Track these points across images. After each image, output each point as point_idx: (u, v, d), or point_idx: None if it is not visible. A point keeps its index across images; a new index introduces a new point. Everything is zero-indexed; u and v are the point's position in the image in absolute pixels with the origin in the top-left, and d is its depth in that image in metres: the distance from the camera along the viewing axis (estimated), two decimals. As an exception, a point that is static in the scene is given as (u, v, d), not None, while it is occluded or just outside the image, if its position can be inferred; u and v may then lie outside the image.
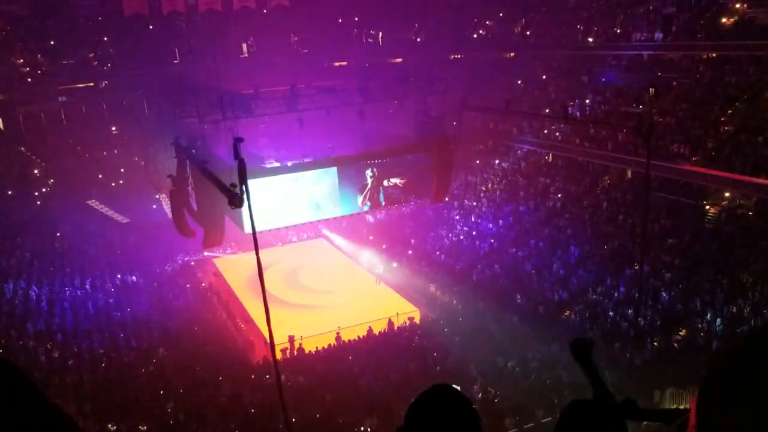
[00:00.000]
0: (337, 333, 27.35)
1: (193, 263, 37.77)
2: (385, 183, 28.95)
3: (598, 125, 32.16)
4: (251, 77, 32.31)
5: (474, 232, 35.10)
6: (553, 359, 22.82)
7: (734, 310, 22.72)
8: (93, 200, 38.76)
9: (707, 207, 28.46)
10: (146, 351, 25.64)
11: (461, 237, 35.30)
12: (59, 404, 1.23)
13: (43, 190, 38.05)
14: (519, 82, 41.86)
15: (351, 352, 25.92)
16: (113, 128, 42.80)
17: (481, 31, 47.81)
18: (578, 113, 35.10)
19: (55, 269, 31.48)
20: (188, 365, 24.25)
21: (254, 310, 29.29)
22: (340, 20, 49.95)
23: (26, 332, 25.60)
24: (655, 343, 22.84)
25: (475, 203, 37.71)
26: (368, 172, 28.54)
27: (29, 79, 41.50)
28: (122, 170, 41.01)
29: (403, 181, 29.21)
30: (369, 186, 28.64)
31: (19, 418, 1.12)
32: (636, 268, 25.52)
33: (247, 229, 19.01)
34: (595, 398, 2.71)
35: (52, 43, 43.20)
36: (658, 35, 33.94)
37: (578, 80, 38.57)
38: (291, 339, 26.70)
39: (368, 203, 29.04)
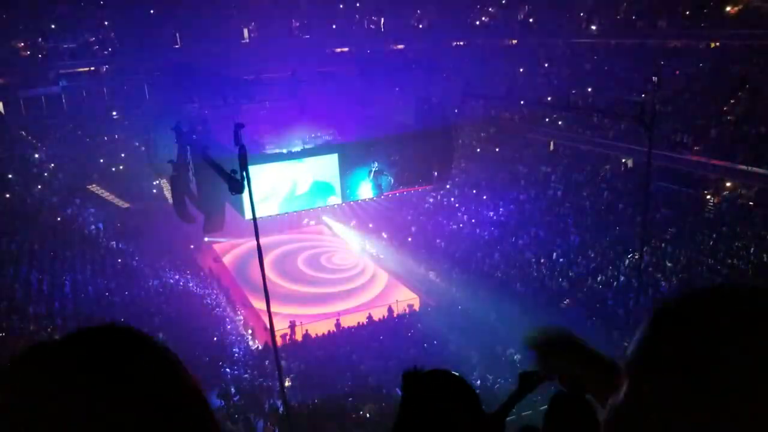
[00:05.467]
0: (337, 319, 27.41)
1: (192, 248, 37.78)
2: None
3: (600, 114, 32.08)
4: (252, 63, 32.24)
5: (474, 220, 35.08)
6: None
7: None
8: (94, 185, 38.71)
9: (708, 197, 28.43)
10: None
11: (461, 225, 35.29)
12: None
13: (44, 174, 37.99)
14: (521, 69, 41.69)
15: (351, 339, 26.00)
16: (114, 113, 42.70)
17: (483, 18, 47.57)
18: (580, 102, 34.98)
19: (56, 254, 31.50)
20: (188, 350, 24.32)
21: (254, 295, 29.34)
22: (341, 6, 49.68)
23: (27, 316, 25.65)
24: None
25: (475, 191, 37.67)
26: (374, 164, 28.52)
27: (30, 63, 41.38)
28: (123, 155, 40.94)
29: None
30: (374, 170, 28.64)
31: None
32: (636, 257, 25.53)
33: (248, 215, 19.02)
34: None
35: (53, 26, 43.03)
36: (662, 23, 33.79)
37: (581, 68, 38.41)
38: (292, 325, 26.77)
39: (374, 190, 29.01)
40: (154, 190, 39.53)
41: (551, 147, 37.51)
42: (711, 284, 1.02)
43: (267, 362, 23.18)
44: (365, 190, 29.09)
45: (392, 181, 29.05)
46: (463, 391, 2.11)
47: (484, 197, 36.74)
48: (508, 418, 2.88)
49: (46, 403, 0.84)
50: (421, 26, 50.18)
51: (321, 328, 27.08)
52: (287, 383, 21.18)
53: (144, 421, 0.86)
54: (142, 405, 0.87)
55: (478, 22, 47.46)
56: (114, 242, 34.40)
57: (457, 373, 2.17)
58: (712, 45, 32.70)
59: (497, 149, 40.12)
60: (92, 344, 0.93)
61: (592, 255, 28.34)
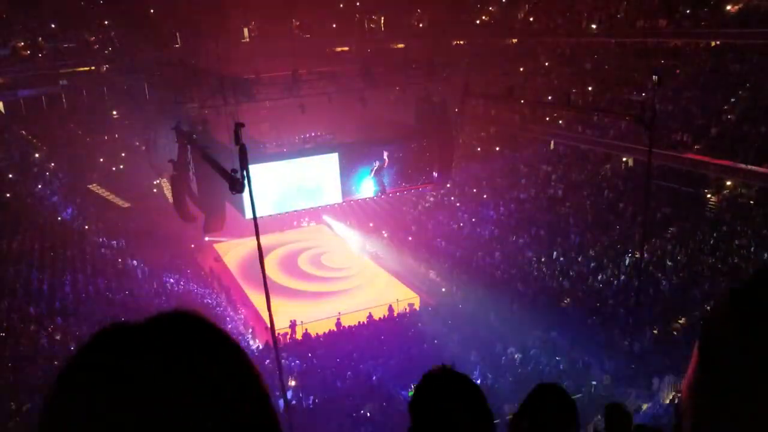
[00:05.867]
0: (338, 319, 27.42)
1: (193, 247, 37.80)
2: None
3: (600, 113, 32.07)
4: (252, 62, 32.16)
5: (474, 219, 35.08)
6: (553, 346, 22.92)
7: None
8: (94, 184, 38.75)
9: (708, 195, 28.43)
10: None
11: (462, 224, 35.28)
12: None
13: (45, 174, 38.01)
14: (521, 69, 41.64)
15: (351, 338, 26.01)
16: (114, 112, 42.75)
17: (483, 17, 47.53)
18: (581, 101, 34.95)
19: (56, 253, 31.50)
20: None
21: (255, 294, 29.36)
22: (341, 5, 49.67)
23: (27, 316, 25.65)
24: (655, 331, 22.90)
25: (475, 190, 37.66)
26: (375, 163, 28.48)
27: (30, 62, 41.38)
28: (123, 155, 40.97)
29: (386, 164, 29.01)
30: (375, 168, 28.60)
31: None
32: (636, 256, 25.53)
33: (248, 214, 19.03)
34: None
35: (53, 26, 43.04)
36: (662, 22, 33.78)
37: (581, 67, 38.40)
38: (292, 324, 26.79)
39: (376, 187, 28.99)
40: (155, 190, 39.56)
41: (552, 146, 37.50)
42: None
43: (267, 361, 23.18)
44: (366, 188, 29.09)
45: (393, 176, 28.95)
46: (464, 390, 2.12)
47: (485, 196, 36.73)
48: (508, 417, 2.89)
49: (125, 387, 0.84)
50: (421, 25, 50.16)
51: (321, 328, 27.09)
52: (290, 383, 21.21)
53: (213, 410, 0.86)
54: (213, 394, 0.87)
55: (478, 21, 47.43)
56: (114, 241, 34.41)
57: (459, 372, 2.18)
58: (713, 44, 32.69)
59: (498, 148, 40.11)
60: (171, 330, 0.95)
61: (593, 254, 28.34)
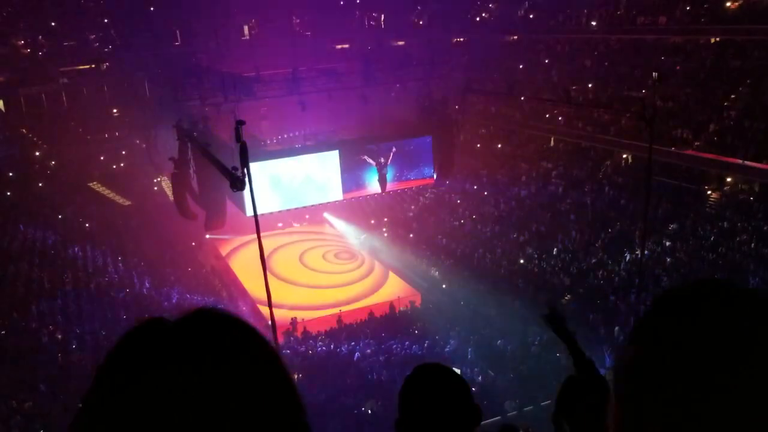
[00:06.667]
0: (339, 316, 27.43)
1: (194, 244, 37.78)
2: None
3: (600, 109, 32.05)
4: (253, 59, 32.13)
5: (475, 216, 35.08)
6: (553, 343, 22.90)
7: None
8: (94, 182, 38.76)
9: (709, 192, 28.43)
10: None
11: (463, 221, 35.29)
12: None
13: (46, 172, 38.04)
14: (521, 65, 41.61)
15: (352, 335, 26.03)
16: (114, 110, 42.70)
17: (483, 14, 47.49)
18: (581, 97, 34.93)
19: (57, 251, 31.54)
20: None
21: (256, 292, 29.35)
22: (342, 2, 49.60)
23: (29, 314, 25.69)
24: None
25: (476, 187, 37.66)
26: (380, 159, 28.47)
27: (31, 61, 41.36)
28: (124, 152, 40.96)
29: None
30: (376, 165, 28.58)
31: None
32: (637, 252, 25.53)
33: (249, 212, 19.04)
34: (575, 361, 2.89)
35: (53, 24, 43.01)
36: (662, 19, 33.75)
37: (581, 64, 38.36)
38: (293, 321, 26.80)
39: (377, 186, 28.99)
40: (155, 188, 39.55)
41: (552, 143, 37.49)
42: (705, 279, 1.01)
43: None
44: (367, 186, 29.09)
45: (394, 173, 28.97)
46: (452, 386, 2.14)
47: (485, 193, 36.73)
48: (509, 413, 2.91)
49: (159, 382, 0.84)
50: (421, 22, 50.08)
51: (322, 325, 27.10)
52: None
53: (244, 408, 0.85)
54: (245, 391, 0.87)
55: (478, 18, 47.37)
56: (115, 239, 34.43)
57: (449, 367, 2.20)
58: (713, 40, 32.66)
59: (498, 145, 40.09)
60: (206, 326, 0.93)
61: (593, 251, 28.35)
